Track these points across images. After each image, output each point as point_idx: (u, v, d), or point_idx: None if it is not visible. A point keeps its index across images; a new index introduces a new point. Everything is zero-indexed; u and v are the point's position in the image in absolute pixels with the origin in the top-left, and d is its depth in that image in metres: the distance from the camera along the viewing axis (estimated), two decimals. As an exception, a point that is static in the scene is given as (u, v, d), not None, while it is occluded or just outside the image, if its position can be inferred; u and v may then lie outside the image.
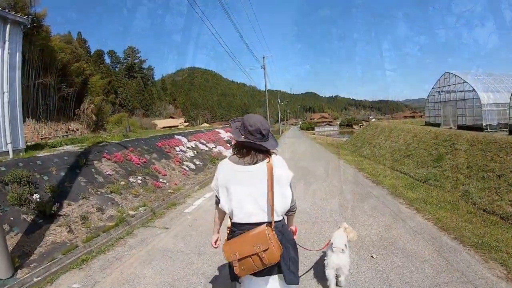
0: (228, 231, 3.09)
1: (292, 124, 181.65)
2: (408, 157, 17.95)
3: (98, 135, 22.39)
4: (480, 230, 6.87)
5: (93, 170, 10.03)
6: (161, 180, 12.10)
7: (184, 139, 18.53)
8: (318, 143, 40.97)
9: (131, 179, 10.82)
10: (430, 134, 18.63)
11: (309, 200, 9.73)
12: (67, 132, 31.11)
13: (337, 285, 4.55)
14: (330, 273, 4.41)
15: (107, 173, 10.28)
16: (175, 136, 18.48)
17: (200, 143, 19.77)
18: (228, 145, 24.07)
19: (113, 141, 13.42)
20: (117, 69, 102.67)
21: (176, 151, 16.19)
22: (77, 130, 33.39)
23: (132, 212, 8.64)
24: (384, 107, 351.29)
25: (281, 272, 2.85)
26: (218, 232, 3.39)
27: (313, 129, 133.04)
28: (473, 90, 26.39)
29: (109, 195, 9.21)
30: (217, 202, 3.11)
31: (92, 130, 35.08)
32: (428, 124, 32.72)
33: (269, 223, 2.82)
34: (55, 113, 32.91)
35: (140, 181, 11.02)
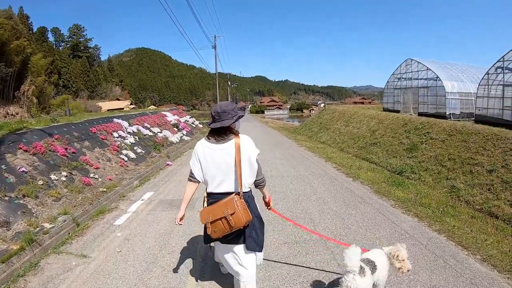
0: (205, 200, 3.61)
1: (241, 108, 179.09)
2: (374, 145, 16.42)
3: (29, 120, 19.91)
4: (503, 245, 5.58)
5: (3, 166, 7.56)
6: (92, 175, 9.78)
7: (125, 123, 16.17)
8: (270, 127, 39.07)
9: (53, 176, 8.39)
10: (398, 121, 17.16)
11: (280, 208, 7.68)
12: (5, 117, 28.27)
13: None
14: None
15: (22, 169, 7.77)
16: (114, 119, 16.06)
17: (144, 127, 17.44)
18: (175, 129, 21.90)
19: (36, 127, 10.88)
20: (61, 48, 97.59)
21: (114, 137, 13.85)
22: (17, 114, 30.38)
23: (47, 225, 6.24)
24: (333, 93, 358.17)
25: (244, 240, 3.46)
26: (184, 210, 3.75)
27: (263, 112, 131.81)
28: (437, 77, 25.73)
29: (21, 201, 6.75)
30: (191, 178, 3.57)
31: (32, 114, 31.25)
32: (386, 110, 31.52)
33: (237, 193, 3.36)
34: None
35: (64, 178, 8.62)
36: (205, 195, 3.61)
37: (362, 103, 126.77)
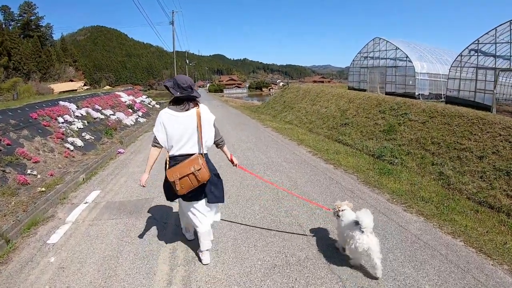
0: (168, 163, 4.01)
1: (200, 87, 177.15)
2: (346, 125, 15.32)
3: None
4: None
5: None
6: (29, 171, 8.21)
7: (73, 106, 14.46)
8: (231, 106, 37.57)
9: (-23, 177, 6.88)
10: (371, 101, 16.10)
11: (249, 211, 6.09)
12: None
13: (375, 275, 3.86)
14: (357, 255, 3.90)
15: None
16: (60, 102, 14.31)
17: (94, 110, 15.77)
18: (130, 110, 20.26)
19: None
20: (11, 27, 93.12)
21: (59, 123, 12.19)
22: None
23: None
24: (292, 72, 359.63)
25: (206, 196, 4.14)
26: (149, 173, 4.14)
27: (221, 91, 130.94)
28: (407, 57, 25.36)
29: None
30: (156, 144, 4.00)
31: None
32: (351, 89, 30.69)
33: (200, 153, 3.99)
34: None
35: (-7, 179, 7.11)
36: (167, 158, 4.02)
37: (322, 82, 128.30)
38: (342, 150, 11.44)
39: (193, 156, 3.90)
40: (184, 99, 3.96)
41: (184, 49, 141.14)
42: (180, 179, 3.80)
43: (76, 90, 57.31)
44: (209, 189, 4.11)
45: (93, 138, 12.67)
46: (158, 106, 30.65)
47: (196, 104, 4.03)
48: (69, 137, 11.54)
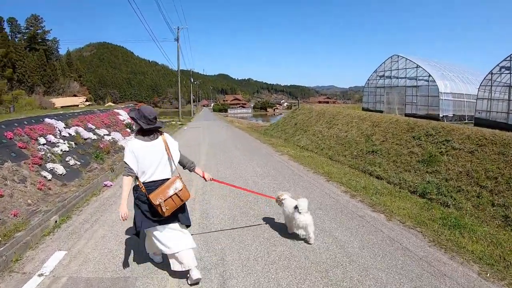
0: (141, 190, 4.15)
1: (204, 106, 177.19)
2: (374, 154, 13.32)
3: None
4: None
5: None
6: None
7: (60, 124, 12.54)
8: (237, 127, 35.57)
9: None
10: (400, 125, 14.11)
11: None
12: None
13: (308, 242, 5.48)
14: (300, 230, 5.46)
15: None
16: (46, 119, 12.38)
17: (87, 129, 13.87)
18: (128, 130, 18.41)
19: None
20: (17, 39, 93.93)
21: (39, 144, 10.30)
22: None
23: None
24: (296, 92, 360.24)
25: (178, 220, 4.33)
26: (125, 204, 4.10)
27: (226, 111, 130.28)
28: (429, 76, 23.22)
29: None
30: (129, 173, 4.11)
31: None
32: (366, 110, 28.75)
33: (177, 176, 4.23)
34: None
35: None
36: (136, 184, 4.21)
37: (327, 102, 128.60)
38: (380, 186, 9.37)
39: (172, 178, 4.20)
40: (151, 130, 4.19)
41: (189, 67, 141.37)
42: (164, 201, 3.97)
43: (77, 105, 56.91)
44: (179, 211, 4.33)
45: (79, 163, 10.76)
46: (160, 125, 29.02)
47: (161, 132, 4.34)
48: (48, 162, 9.69)
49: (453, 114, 22.82)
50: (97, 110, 18.82)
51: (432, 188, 9.24)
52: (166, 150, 4.22)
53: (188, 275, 4.32)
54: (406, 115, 23.46)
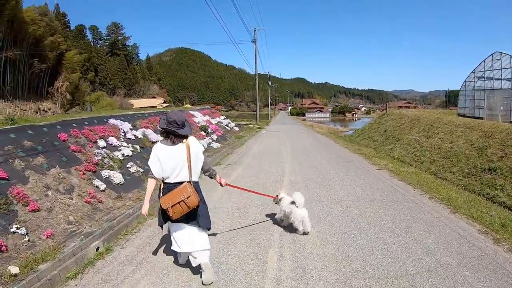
0: (162, 189, 4.32)
1: (281, 109, 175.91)
2: (491, 172, 10.89)
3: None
4: None
5: None
6: (15, 227, 5.13)
7: (126, 126, 11.23)
8: (318, 132, 33.19)
9: None
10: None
11: None
12: (36, 112, 29.62)
13: (304, 233, 5.85)
14: (298, 224, 5.76)
15: None
16: (111, 120, 11.10)
17: (157, 131, 12.57)
18: (203, 133, 17.30)
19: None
20: (99, 45, 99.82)
21: (99, 147, 8.94)
22: (49, 110, 31.68)
23: None
24: (373, 96, 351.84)
25: (195, 219, 4.34)
26: (148, 203, 4.40)
27: (303, 115, 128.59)
28: None
29: None
30: (152, 176, 4.29)
31: (66, 109, 33.88)
32: (462, 116, 25.30)
33: (189, 181, 4.23)
34: (26, 91, 31.10)
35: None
36: (162, 185, 4.35)
37: (408, 107, 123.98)
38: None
39: (183, 184, 4.17)
40: (169, 133, 4.22)
41: (265, 70, 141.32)
42: (172, 206, 4.06)
43: (155, 106, 58.00)
44: (200, 214, 4.36)
45: (141, 170, 9.33)
46: (237, 128, 27.18)
47: (185, 138, 4.29)
48: (105, 169, 8.25)
49: None
50: (170, 111, 17.67)
51: None
52: (186, 155, 4.25)
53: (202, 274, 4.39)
54: (512, 123, 20.14)
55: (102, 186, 7.47)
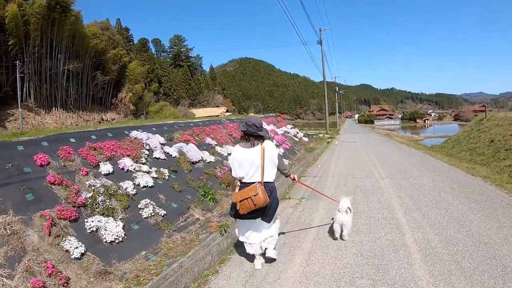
0: (238, 187, 4.66)
1: (347, 117, 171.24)
2: None
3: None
4: None
5: None
6: None
7: (156, 140, 7.85)
8: (400, 142, 28.65)
9: None
10: None
11: None
12: (100, 122, 30.28)
13: (341, 238, 5.63)
14: (336, 226, 5.61)
15: None
16: (133, 132, 7.69)
17: (202, 145, 9.29)
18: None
19: None
20: (162, 57, 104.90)
21: (98, 174, 5.63)
22: (113, 119, 33.30)
23: None
24: (442, 101, 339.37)
25: (261, 216, 4.66)
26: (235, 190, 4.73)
27: (372, 122, 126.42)
28: None
29: None
30: (233, 176, 4.77)
31: (129, 120, 34.65)
32: None
33: (260, 182, 4.53)
34: (89, 102, 33.19)
35: None
36: (239, 183, 4.69)
37: (483, 111, 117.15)
38: None
39: (254, 184, 4.50)
40: (249, 135, 4.63)
41: (332, 75, 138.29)
42: (240, 201, 4.44)
43: (218, 115, 56.42)
44: (267, 210, 4.65)
45: (163, 213, 5.87)
46: (306, 139, 23.30)
47: (262, 140, 4.65)
48: (96, 213, 4.96)
49: None
50: (225, 120, 14.27)
51: None
52: (261, 159, 4.52)
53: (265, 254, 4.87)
54: None
55: (78, 250, 4.10)
